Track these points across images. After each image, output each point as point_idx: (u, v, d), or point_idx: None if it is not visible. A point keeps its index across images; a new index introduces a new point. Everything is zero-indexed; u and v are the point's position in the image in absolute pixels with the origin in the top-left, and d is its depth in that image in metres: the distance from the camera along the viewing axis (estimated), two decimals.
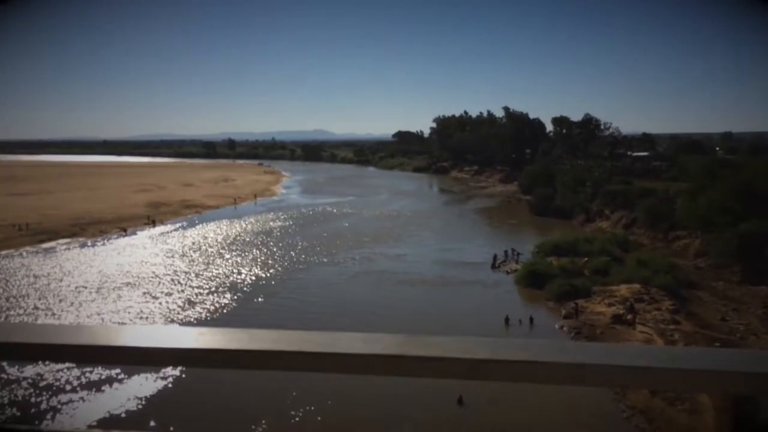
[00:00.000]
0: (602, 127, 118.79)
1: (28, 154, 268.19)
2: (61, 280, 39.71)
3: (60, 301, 34.92)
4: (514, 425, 20.68)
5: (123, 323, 29.54)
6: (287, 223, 66.58)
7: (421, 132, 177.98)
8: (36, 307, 33.68)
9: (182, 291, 37.64)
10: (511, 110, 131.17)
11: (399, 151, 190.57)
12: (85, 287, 38.00)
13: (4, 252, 48.29)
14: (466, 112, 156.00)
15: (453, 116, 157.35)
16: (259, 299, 35.91)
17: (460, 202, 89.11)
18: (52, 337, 1.45)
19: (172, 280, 40.44)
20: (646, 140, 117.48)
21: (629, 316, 30.93)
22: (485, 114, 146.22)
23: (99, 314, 32.37)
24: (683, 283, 37.75)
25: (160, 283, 39.71)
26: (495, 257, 46.91)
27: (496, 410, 21.16)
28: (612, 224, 58.33)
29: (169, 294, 36.94)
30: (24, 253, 48.39)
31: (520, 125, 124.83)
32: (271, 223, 66.30)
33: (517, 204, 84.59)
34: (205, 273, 42.39)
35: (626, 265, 41.32)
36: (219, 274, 42.29)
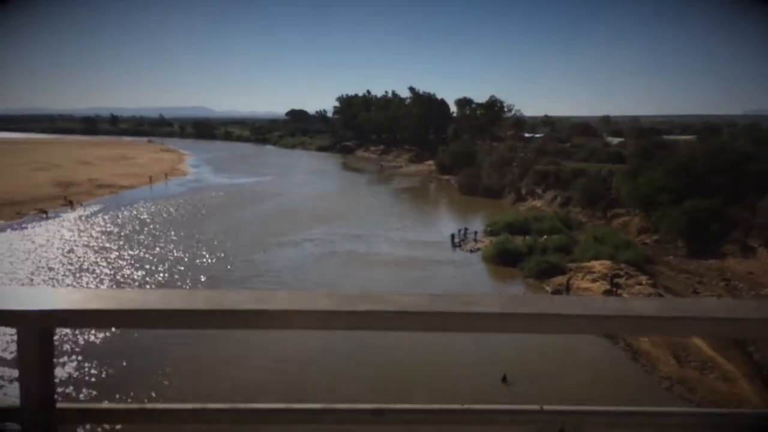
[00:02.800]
0: (505, 109, 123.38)
1: None
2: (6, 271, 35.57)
3: None
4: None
5: None
6: (217, 203, 63.68)
7: (324, 111, 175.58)
8: None
9: (151, 276, 34.96)
10: (417, 90, 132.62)
11: (298, 129, 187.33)
12: (37, 276, 34.31)
13: None
14: (369, 92, 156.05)
15: (356, 96, 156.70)
16: (237, 285, 34.11)
17: (382, 182, 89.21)
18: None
19: (132, 265, 37.44)
20: (547, 122, 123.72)
21: (615, 291, 32.58)
22: (390, 94, 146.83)
23: None
24: (642, 259, 40.24)
25: (118, 269, 36.63)
26: (453, 236, 47.57)
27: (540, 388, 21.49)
28: (546, 203, 60.88)
29: (136, 280, 34.18)
30: None
31: (427, 105, 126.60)
32: (200, 204, 63.05)
33: (440, 183, 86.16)
34: (163, 258, 39.57)
35: (582, 242, 43.39)
36: (178, 258, 39.65)
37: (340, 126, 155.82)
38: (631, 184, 49.40)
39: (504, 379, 22.06)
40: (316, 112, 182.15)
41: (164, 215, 55.62)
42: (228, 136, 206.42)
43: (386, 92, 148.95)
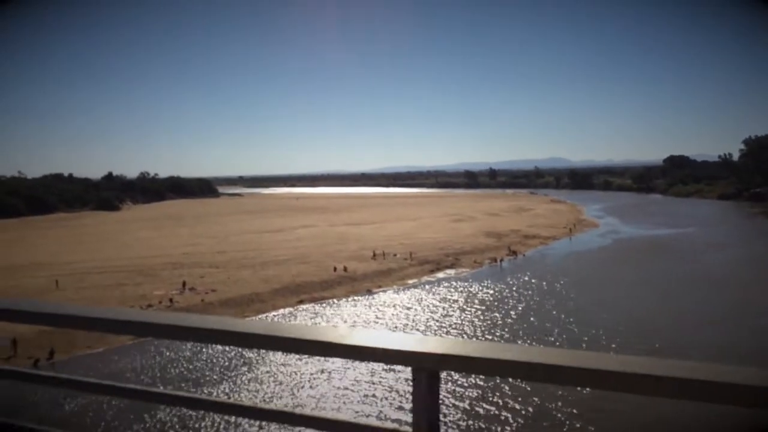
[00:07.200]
0: None
1: (307, 187, 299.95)
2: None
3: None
4: None
5: None
6: (660, 256, 58.45)
7: (729, 155, 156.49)
8: None
9: (672, 341, 31.70)
10: None
11: (685, 176, 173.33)
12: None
13: (411, 281, 47.73)
14: None
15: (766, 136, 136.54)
16: None
17: None
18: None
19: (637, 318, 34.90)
20: None
21: None
22: None
23: None
24: None
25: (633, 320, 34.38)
26: None
27: None
28: None
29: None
30: (430, 284, 47.22)
31: None
32: (644, 256, 58.58)
33: None
34: (666, 312, 36.12)
35: None
36: (680, 315, 35.80)
37: (749, 170, 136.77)
38: None
39: None
40: (720, 156, 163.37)
41: (609, 265, 53.12)
42: (607, 186, 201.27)
43: None
